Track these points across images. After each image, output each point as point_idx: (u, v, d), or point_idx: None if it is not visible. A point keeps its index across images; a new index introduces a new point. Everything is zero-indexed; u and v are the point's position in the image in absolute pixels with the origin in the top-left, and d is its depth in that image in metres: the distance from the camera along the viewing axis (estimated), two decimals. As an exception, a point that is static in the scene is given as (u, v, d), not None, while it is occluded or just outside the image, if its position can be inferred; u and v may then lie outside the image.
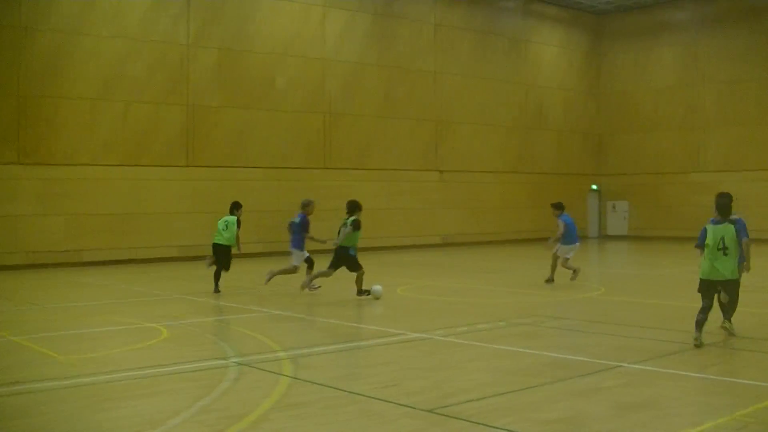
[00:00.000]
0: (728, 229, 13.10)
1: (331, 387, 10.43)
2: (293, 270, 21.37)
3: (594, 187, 47.09)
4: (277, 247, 32.27)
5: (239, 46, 32.91)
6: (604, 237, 47.05)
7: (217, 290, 21.17)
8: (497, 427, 8.56)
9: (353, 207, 20.02)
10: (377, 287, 19.76)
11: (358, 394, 10.05)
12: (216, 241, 21.50)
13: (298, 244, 21.07)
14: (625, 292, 21.02)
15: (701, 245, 13.32)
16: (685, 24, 44.62)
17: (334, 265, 20.05)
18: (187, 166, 31.67)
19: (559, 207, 22.97)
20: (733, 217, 13.41)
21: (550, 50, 45.01)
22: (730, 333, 13.94)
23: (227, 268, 21.57)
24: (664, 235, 43.37)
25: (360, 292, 19.81)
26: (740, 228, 13.27)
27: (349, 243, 19.71)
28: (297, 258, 21.11)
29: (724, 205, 13.31)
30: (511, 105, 42.74)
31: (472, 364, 12.03)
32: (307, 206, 21.48)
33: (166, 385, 10.66)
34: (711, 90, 43.70)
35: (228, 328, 15.89)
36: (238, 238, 21.52)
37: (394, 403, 9.62)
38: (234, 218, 21.63)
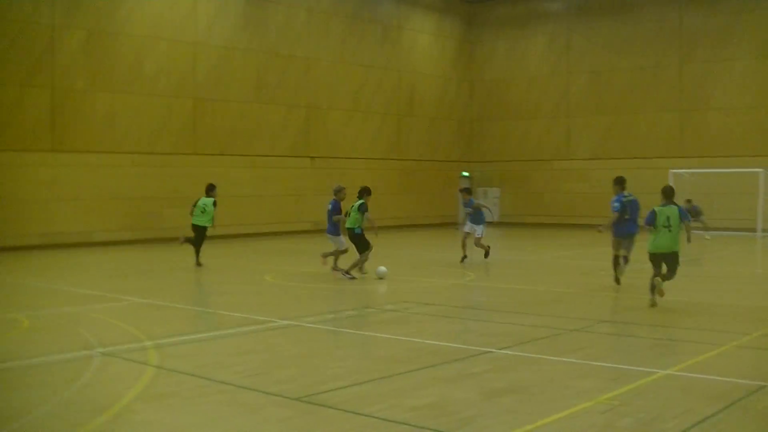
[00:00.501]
0: (672, 210, 15.82)
1: (197, 376, 10.25)
2: (344, 252, 21.87)
3: (465, 173, 47.48)
4: (145, 234, 31.72)
5: (108, 28, 32.09)
6: (474, 223, 47.45)
7: (198, 264, 23.49)
8: (366, 415, 8.52)
9: (362, 192, 21.59)
10: (382, 268, 20.71)
11: (225, 383, 9.90)
12: (195, 222, 23.59)
13: (334, 230, 21.83)
14: (494, 278, 21.25)
15: (651, 224, 15.88)
16: (556, 14, 45.32)
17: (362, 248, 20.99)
18: (52, 151, 30.76)
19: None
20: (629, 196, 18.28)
21: (423, 37, 45.18)
22: (660, 291, 15.77)
23: (200, 243, 23.67)
24: (533, 221, 44.07)
25: (346, 272, 20.74)
26: (682, 211, 15.98)
27: (354, 224, 20.95)
28: (338, 243, 21.75)
29: (669, 191, 16.18)
30: (383, 91, 42.75)
31: (341, 351, 12.00)
32: (338, 192, 22.22)
33: (26, 379, 10.32)
34: (580, 79, 44.49)
35: (92, 318, 15.41)
36: (213, 218, 23.64)
37: (262, 391, 9.51)
38: (211, 200, 23.67)
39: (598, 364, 10.91)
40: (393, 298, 17.35)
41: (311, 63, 38.97)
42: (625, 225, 19.09)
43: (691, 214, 34.45)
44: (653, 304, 15.67)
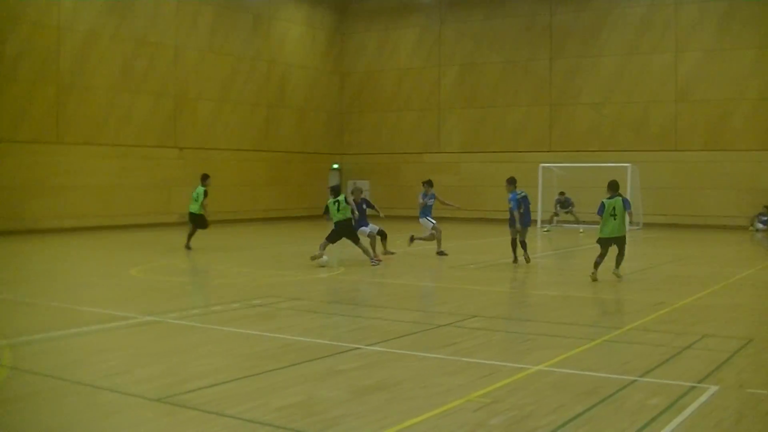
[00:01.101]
0: (617, 201, 18.71)
1: (53, 377, 9.75)
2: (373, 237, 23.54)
3: (335, 166, 47.26)
4: (5, 226, 30.57)
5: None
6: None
7: (188, 247, 25.67)
8: (230, 416, 8.18)
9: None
10: (325, 257, 21.47)
11: (83, 384, 9.43)
12: (190, 210, 26.20)
13: (362, 223, 23.29)
14: (364, 272, 20.98)
15: (601, 214, 18.75)
16: (428, 6, 45.35)
17: (336, 238, 22.08)
18: None
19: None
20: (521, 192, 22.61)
21: (295, 28, 44.71)
22: (619, 276, 18.96)
23: (205, 227, 26.26)
24: (402, 214, 43.95)
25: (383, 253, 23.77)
26: (625, 201, 18.86)
27: (345, 216, 22.00)
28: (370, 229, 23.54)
29: (615, 185, 19.05)
30: (253, 82, 42.16)
31: (206, 348, 11.58)
32: (353, 193, 24.27)
33: None
34: (452, 72, 44.69)
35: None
36: (204, 206, 25.88)
37: (121, 392, 9.08)
38: (202, 189, 25.90)
39: (469, 360, 10.75)
40: (260, 292, 16.94)
41: (180, 51, 38.16)
42: (525, 217, 22.54)
43: (563, 206, 35.06)
44: (594, 279, 18.69)
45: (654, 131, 39.54)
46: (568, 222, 36.62)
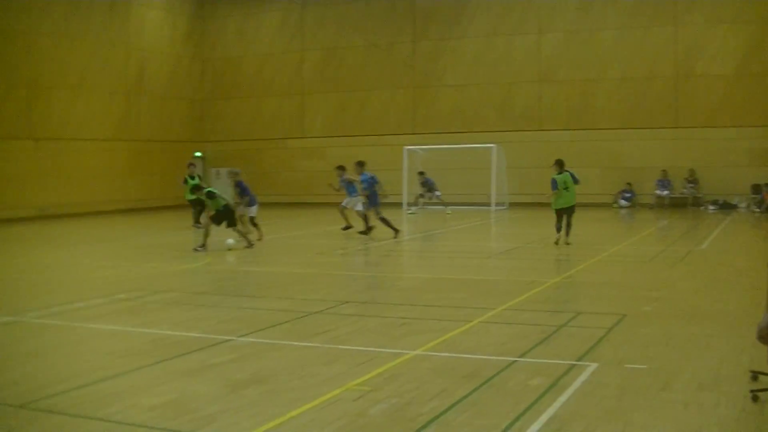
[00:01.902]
0: (566, 176, 22.06)
1: None
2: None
3: (198, 154, 46.41)
4: None
5: None
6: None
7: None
8: (99, 419, 7.78)
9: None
10: (230, 240, 22.08)
11: (-63, 392, 8.87)
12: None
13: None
14: (230, 261, 20.55)
15: (555, 188, 21.93)
16: (289, -10, 44.86)
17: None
18: None
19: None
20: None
21: (153, 13, 43.62)
22: (568, 244, 21.73)
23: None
24: (269, 201, 43.36)
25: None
26: (573, 176, 22.18)
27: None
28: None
29: (560, 163, 22.56)
30: (111, 69, 40.94)
31: (71, 348, 11.09)
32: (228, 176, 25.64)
33: None
34: (314, 56, 44.32)
35: None
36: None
37: (-21, 399, 8.56)
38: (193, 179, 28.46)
39: (345, 347, 10.52)
40: (125, 286, 16.36)
41: (30, 38, 36.80)
42: (376, 196, 24.45)
43: (425, 187, 35.08)
44: (557, 242, 21.86)
45: (518, 112, 39.93)
46: (433, 204, 36.68)
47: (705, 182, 37.07)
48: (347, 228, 25.93)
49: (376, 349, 10.34)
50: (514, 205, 37.90)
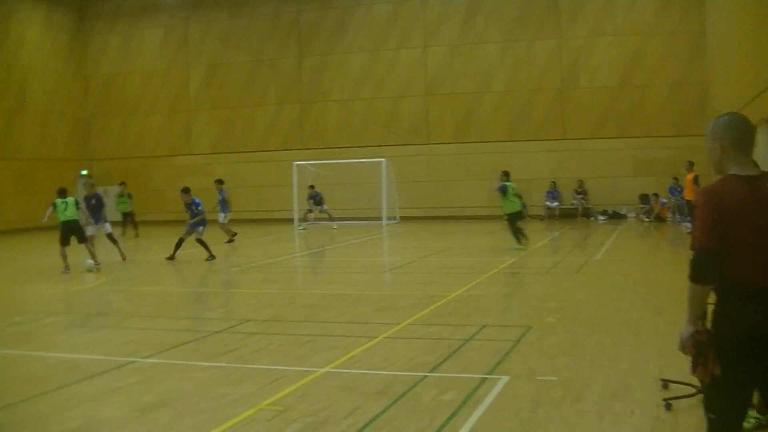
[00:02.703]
0: (513, 185, 24.28)
1: None
2: None
3: (84, 172, 45.54)
4: None
5: None
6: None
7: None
8: (5, 449, 7.52)
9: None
10: (89, 261, 21.91)
11: None
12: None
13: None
14: (126, 281, 20.20)
15: (504, 193, 23.87)
16: (172, 6, 44.22)
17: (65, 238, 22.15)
18: None
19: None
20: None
21: (33, 29, 42.66)
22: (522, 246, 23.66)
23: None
24: (156, 219, 42.83)
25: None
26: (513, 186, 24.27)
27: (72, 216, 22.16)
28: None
29: (506, 173, 24.56)
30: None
31: (-37, 375, 10.71)
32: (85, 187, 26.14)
33: None
34: (198, 72, 43.89)
35: None
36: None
37: None
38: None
39: (252, 366, 10.38)
40: (17, 308, 15.95)
41: None
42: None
43: (315, 201, 35.08)
44: (524, 246, 23.87)
45: (405, 126, 40.13)
46: (323, 219, 36.64)
47: (593, 193, 37.84)
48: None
49: (284, 368, 10.24)
50: (405, 218, 38.06)
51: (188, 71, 44.13)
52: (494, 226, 33.03)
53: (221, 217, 29.30)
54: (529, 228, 27.32)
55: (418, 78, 40.02)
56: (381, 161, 37.00)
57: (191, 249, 24.25)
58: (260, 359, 10.82)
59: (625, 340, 11.36)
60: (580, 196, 37.68)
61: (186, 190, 24.47)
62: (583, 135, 37.89)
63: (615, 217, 36.88)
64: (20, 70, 41.71)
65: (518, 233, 24.04)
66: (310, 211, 36.47)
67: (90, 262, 21.74)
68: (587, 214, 37.67)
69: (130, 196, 35.80)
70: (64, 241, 22.06)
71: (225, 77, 43.35)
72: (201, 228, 24.18)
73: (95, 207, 23.65)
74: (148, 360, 10.92)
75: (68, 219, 22.08)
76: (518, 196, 24.43)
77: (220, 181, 30.00)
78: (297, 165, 38.33)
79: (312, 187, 36.39)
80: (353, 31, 40.97)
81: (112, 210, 29.38)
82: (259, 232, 35.12)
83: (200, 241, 23.85)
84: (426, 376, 9.58)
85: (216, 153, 43.27)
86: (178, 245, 23.94)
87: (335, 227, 34.59)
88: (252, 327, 13.18)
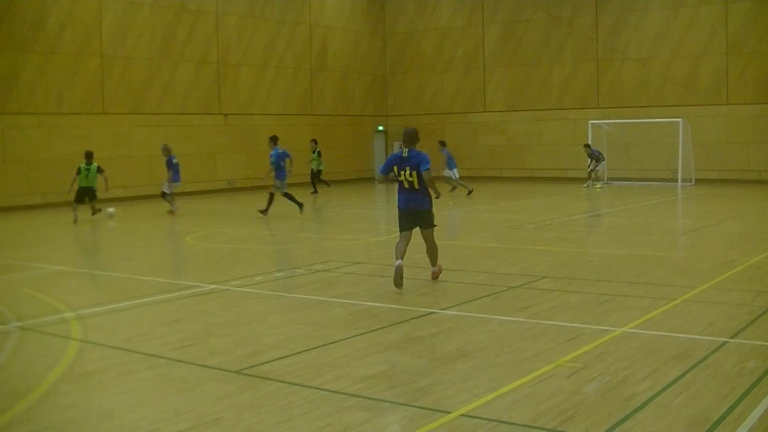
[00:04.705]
0: None
1: (126, 350, 9.54)
2: None
3: (380, 128, 46.86)
4: (53, 199, 30.40)
5: (4, -17, 30.53)
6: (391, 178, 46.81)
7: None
8: (315, 387, 7.92)
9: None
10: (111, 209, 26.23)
11: (157, 357, 9.21)
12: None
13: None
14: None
15: None
16: (466, -35, 44.62)
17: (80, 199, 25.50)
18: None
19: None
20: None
21: (333, -9, 44.24)
22: None
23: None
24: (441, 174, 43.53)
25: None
26: None
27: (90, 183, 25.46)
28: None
29: None
30: (295, 47, 41.74)
31: (276, 316, 11.32)
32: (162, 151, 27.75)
33: (-66, 357, 9.46)
34: (494, 30, 43.99)
35: (4, 289, 14.46)
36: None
37: (198, 364, 8.84)
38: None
39: (550, 323, 10.42)
40: (320, 257, 16.70)
41: (220, 18, 37.81)
42: (279, 172, 24.91)
43: (592, 158, 35.01)
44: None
45: (704, 85, 38.72)
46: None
47: None
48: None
49: (582, 325, 10.21)
50: (700, 181, 36.86)
51: (483, 29, 44.31)
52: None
53: (448, 173, 32.48)
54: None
55: (719, 36, 38.44)
56: (678, 121, 35.94)
57: (486, 205, 24.46)
58: (558, 316, 10.83)
59: None
60: None
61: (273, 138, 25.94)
62: None
63: None
64: (322, 30, 43.22)
65: None
66: (592, 169, 36.09)
67: (111, 210, 26.47)
68: None
69: (319, 155, 35.16)
70: (79, 201, 25.34)
71: (521, 35, 43.23)
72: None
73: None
74: (447, 312, 11.17)
75: (86, 186, 25.36)
76: None
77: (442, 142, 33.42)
78: (592, 123, 37.86)
79: (588, 146, 36.13)
80: (653, -13, 39.87)
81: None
82: (552, 190, 35.00)
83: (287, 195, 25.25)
84: (726, 342, 9.31)
85: (511, 111, 43.35)
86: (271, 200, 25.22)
87: (599, 187, 34.73)
88: (549, 284, 13.21)
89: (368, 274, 14.72)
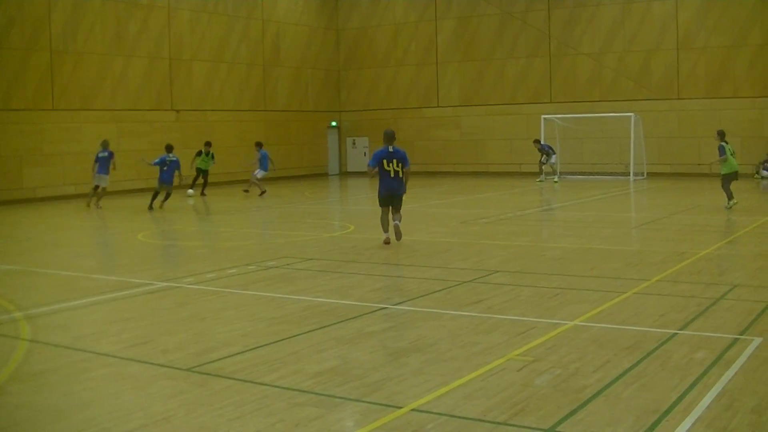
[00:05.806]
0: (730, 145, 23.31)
1: (76, 349, 9.45)
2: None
3: (333, 123, 46.84)
4: (1, 196, 30.11)
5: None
6: (344, 173, 46.95)
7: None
8: (267, 384, 7.90)
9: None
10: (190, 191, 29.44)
11: (108, 355, 9.14)
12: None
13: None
14: (374, 229, 20.64)
15: (723, 154, 22.84)
16: (421, -42, 44.68)
17: None
18: None
19: None
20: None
21: (286, -15, 44.10)
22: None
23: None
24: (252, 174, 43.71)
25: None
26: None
27: None
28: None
29: (722, 133, 23.70)
30: (248, 42, 41.59)
31: (229, 313, 11.27)
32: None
33: None
34: (448, 25, 44.08)
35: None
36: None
37: (150, 362, 8.79)
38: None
39: (502, 317, 10.47)
40: (273, 254, 16.64)
41: (172, 12, 37.56)
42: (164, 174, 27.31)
43: (542, 153, 35.36)
44: (730, 207, 22.77)
45: (655, 80, 39.04)
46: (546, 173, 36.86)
47: None
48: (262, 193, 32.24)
49: (534, 319, 10.28)
50: (652, 175, 37.18)
51: (437, 24, 44.39)
52: (747, 184, 31.89)
53: (260, 173, 33.17)
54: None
55: (670, 31, 38.76)
56: (630, 116, 36.23)
57: (440, 200, 24.51)
58: (510, 310, 10.89)
59: None
60: None
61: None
62: None
63: None
64: (275, 25, 43.09)
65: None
66: (543, 162, 36.40)
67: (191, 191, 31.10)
68: None
69: (213, 157, 35.00)
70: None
71: (474, 30, 43.36)
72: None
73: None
74: (398, 307, 11.19)
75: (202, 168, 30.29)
76: (732, 153, 23.36)
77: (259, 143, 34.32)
78: (545, 118, 38.07)
79: (537, 141, 36.49)
80: (604, -18, 40.12)
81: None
82: (506, 185, 35.19)
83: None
84: (676, 334, 9.42)
85: (464, 105, 43.47)
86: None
87: (556, 180, 35.08)
88: (502, 278, 13.28)
89: (321, 270, 14.72)
